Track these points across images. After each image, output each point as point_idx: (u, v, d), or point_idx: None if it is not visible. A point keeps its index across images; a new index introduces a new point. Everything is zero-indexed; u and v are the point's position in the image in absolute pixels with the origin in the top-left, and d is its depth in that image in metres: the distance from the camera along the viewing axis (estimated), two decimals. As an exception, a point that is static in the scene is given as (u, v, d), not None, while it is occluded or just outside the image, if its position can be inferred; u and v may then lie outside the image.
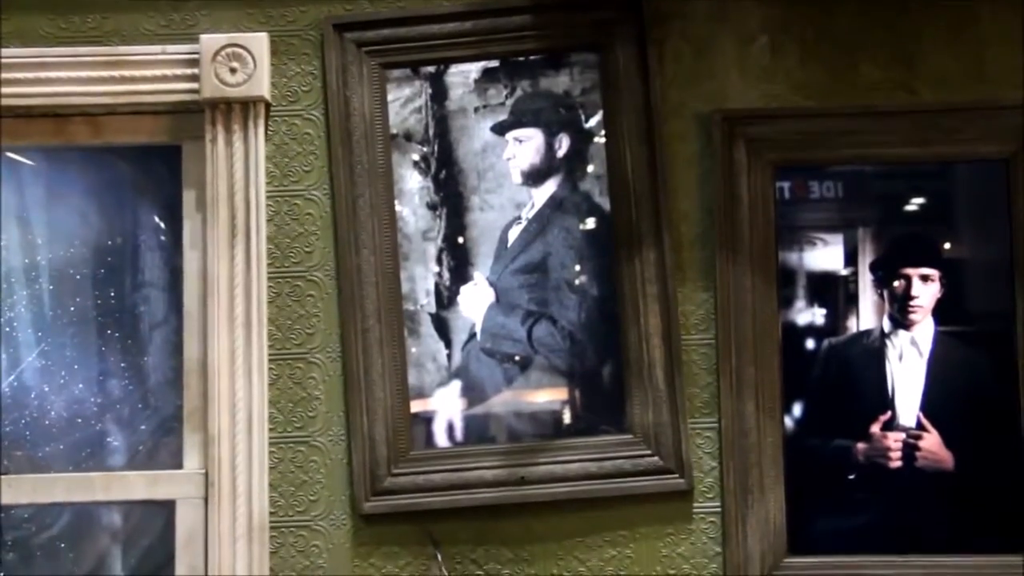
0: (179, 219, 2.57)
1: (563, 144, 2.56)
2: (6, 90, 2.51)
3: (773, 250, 2.51)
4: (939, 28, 2.54)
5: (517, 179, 2.56)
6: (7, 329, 2.63)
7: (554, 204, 2.55)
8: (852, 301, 2.54)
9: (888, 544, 2.48)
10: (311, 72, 2.56)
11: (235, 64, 2.49)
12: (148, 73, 2.52)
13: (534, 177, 2.56)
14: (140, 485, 2.53)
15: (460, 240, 2.56)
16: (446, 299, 2.55)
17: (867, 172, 2.56)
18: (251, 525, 2.45)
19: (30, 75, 2.51)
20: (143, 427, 2.62)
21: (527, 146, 2.56)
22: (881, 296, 2.53)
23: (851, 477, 2.50)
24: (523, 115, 2.56)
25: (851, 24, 2.54)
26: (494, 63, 2.56)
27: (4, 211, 2.65)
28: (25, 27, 2.56)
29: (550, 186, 2.55)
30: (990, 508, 2.47)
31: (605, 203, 2.53)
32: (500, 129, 2.56)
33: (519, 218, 2.56)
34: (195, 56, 2.50)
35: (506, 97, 2.56)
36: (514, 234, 2.56)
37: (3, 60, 2.51)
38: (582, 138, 2.55)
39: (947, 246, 2.54)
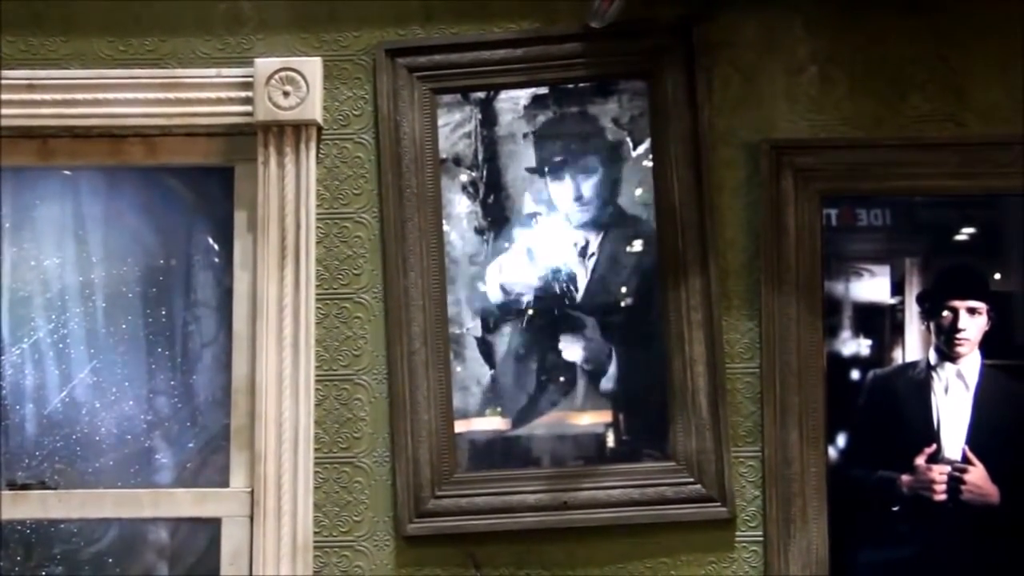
0: (230, 239, 2.60)
1: (611, 171, 2.57)
2: (66, 110, 2.56)
3: (819, 280, 2.51)
4: (989, 61, 2.53)
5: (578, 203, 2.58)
6: (60, 345, 2.68)
7: (601, 229, 2.56)
8: (898, 332, 2.53)
9: (931, 577, 2.48)
10: (363, 96, 2.58)
11: (288, 88, 2.53)
12: (203, 95, 2.56)
13: (589, 202, 2.57)
14: (187, 502, 2.55)
15: (507, 263, 2.58)
16: (491, 323, 2.56)
17: (916, 201, 2.55)
18: (295, 544, 2.47)
19: (89, 96, 2.55)
20: (191, 445, 2.65)
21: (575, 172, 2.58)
22: (927, 328, 2.52)
23: (895, 509, 2.49)
24: (572, 141, 2.58)
25: (900, 55, 2.54)
26: (543, 90, 2.58)
27: (60, 229, 2.69)
28: (85, 49, 2.60)
29: (600, 211, 2.57)
30: (1036, 543, 2.47)
31: (652, 230, 2.54)
32: (547, 162, 2.58)
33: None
34: (249, 79, 2.54)
35: (555, 123, 2.58)
36: (561, 259, 2.58)
37: (63, 81, 2.56)
38: (630, 165, 2.57)
39: (996, 277, 2.54)
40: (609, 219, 2.56)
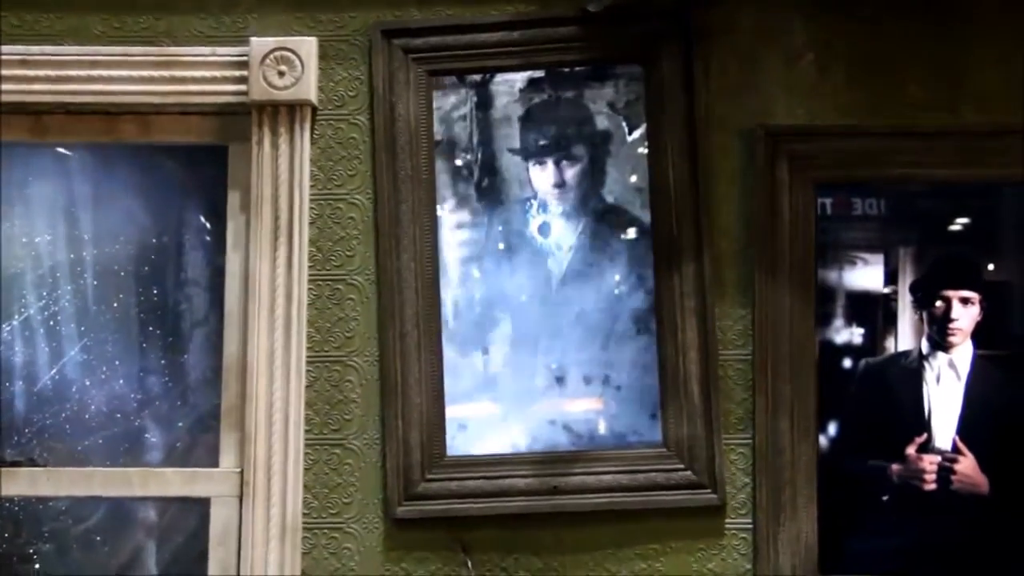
0: (223, 219, 2.59)
1: (606, 156, 2.56)
2: (60, 87, 2.55)
3: (812, 268, 2.50)
4: (986, 50, 2.53)
5: (560, 189, 2.57)
6: (51, 323, 2.67)
7: (595, 215, 2.56)
8: (891, 321, 2.53)
9: (920, 567, 2.47)
10: (358, 77, 2.58)
11: (283, 67, 2.52)
12: (197, 74, 2.55)
13: (576, 188, 2.57)
14: (176, 482, 2.55)
15: (500, 247, 2.57)
16: (486, 305, 2.56)
17: (911, 190, 2.55)
18: (284, 525, 2.47)
19: (83, 73, 2.55)
20: (181, 424, 2.65)
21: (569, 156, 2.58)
22: (920, 317, 2.52)
23: (885, 498, 2.49)
24: (567, 126, 2.57)
25: (897, 44, 2.53)
26: (539, 73, 2.57)
27: (52, 206, 2.69)
28: (79, 26, 2.60)
29: (591, 197, 2.56)
30: (1025, 534, 2.47)
31: (646, 216, 2.53)
32: (538, 145, 2.57)
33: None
34: (244, 58, 2.53)
35: (550, 107, 2.57)
36: (554, 244, 2.57)
37: (57, 58, 2.56)
38: (625, 150, 2.56)
39: (990, 267, 2.53)
40: (601, 204, 2.55)
